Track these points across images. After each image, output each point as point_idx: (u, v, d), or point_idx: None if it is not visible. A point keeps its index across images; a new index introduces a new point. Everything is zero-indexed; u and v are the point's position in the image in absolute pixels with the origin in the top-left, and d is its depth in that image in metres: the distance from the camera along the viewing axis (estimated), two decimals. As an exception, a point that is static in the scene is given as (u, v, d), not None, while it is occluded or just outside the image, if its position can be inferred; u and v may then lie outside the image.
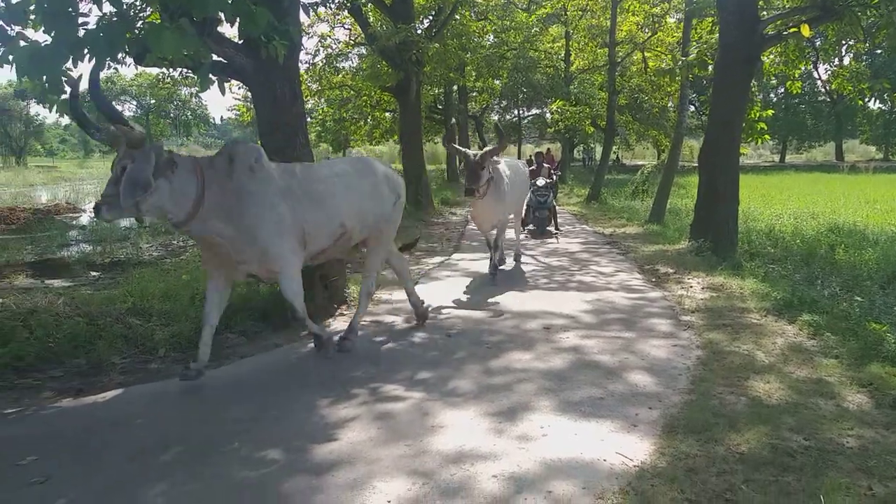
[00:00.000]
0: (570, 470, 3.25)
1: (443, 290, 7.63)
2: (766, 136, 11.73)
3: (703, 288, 7.36)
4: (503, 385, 4.46)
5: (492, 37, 26.15)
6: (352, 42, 21.28)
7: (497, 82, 32.27)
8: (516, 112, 44.65)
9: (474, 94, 33.91)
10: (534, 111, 44.94)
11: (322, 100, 24.18)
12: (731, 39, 9.18)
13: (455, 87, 27.95)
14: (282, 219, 4.60)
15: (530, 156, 27.61)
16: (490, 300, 7.10)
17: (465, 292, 7.59)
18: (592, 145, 47.02)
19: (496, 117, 44.17)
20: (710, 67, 10.54)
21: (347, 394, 4.37)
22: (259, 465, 3.39)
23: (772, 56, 12.24)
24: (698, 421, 3.75)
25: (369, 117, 26.31)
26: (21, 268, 8.28)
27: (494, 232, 8.31)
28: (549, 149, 28.75)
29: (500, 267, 8.50)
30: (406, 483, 3.15)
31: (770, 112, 12.28)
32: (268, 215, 4.52)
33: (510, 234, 9.39)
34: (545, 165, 13.79)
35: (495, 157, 7.82)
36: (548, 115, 34.51)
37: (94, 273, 8.44)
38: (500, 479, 3.16)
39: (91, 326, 5.30)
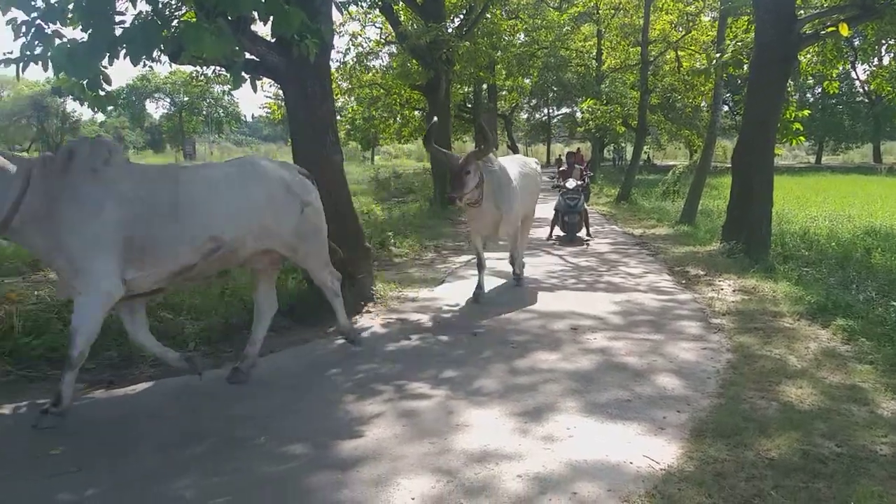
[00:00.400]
0: (596, 472, 3.22)
1: (469, 289, 7.60)
2: (802, 137, 11.51)
3: (734, 290, 7.24)
4: (529, 385, 4.44)
5: (522, 35, 26.11)
6: (382, 41, 21.38)
7: (527, 81, 32.20)
8: (546, 111, 44.48)
9: (504, 92, 33.87)
10: (564, 110, 44.78)
11: (352, 98, 24.29)
12: (767, 38, 9.02)
13: (484, 86, 27.93)
14: (104, 229, 3.82)
15: (559, 155, 27.50)
16: (516, 300, 7.06)
17: (490, 291, 7.54)
18: (623, 145, 46.59)
19: (525, 116, 44.04)
20: (745, 67, 10.39)
21: (373, 391, 4.39)
22: (284, 459, 3.42)
23: (809, 55, 12.02)
24: (727, 425, 3.69)
25: (398, 116, 26.36)
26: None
27: (509, 239, 7.53)
28: (579, 148, 28.58)
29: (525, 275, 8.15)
30: (430, 481, 3.15)
31: (806, 112, 12.09)
32: (86, 223, 3.80)
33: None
34: (577, 166, 13.14)
35: (487, 160, 6.93)
36: (578, 115, 34.30)
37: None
38: (524, 480, 3.15)
39: (123, 319, 5.38)
